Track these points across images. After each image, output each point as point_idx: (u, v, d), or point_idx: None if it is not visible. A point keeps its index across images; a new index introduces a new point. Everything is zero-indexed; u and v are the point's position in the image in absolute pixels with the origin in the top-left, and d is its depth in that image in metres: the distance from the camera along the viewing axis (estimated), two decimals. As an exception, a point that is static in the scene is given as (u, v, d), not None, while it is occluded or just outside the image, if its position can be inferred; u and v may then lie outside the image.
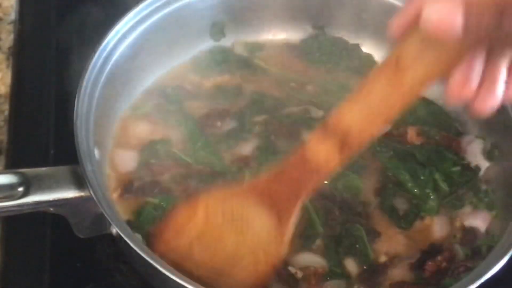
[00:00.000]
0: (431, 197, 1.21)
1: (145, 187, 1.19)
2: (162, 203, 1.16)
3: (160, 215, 1.13)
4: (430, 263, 1.13)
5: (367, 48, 1.44)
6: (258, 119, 1.29)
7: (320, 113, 1.30)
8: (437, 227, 1.20)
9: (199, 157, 1.23)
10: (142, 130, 1.27)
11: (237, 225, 1.00)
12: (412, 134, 1.29)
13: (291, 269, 1.11)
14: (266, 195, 0.98)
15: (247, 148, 1.26)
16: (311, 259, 1.14)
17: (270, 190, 0.97)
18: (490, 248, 1.13)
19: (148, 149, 1.24)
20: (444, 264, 1.13)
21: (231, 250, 1.01)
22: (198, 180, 1.19)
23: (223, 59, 1.39)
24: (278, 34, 1.44)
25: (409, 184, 1.22)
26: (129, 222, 1.12)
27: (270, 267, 1.02)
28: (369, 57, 1.43)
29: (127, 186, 1.18)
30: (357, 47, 1.43)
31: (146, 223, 1.13)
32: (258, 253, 1.01)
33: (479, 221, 1.20)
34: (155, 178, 1.20)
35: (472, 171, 1.26)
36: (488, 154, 1.27)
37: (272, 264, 1.02)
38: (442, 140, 1.29)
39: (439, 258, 1.14)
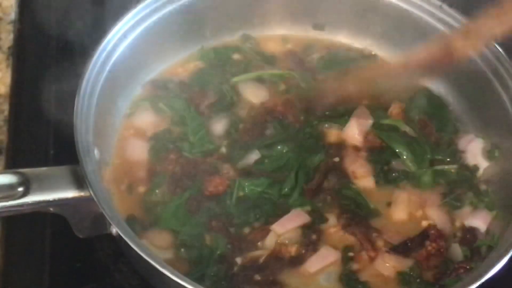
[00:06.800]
0: (426, 172, 1.23)
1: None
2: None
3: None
4: (420, 251, 1.14)
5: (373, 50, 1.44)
6: None
7: None
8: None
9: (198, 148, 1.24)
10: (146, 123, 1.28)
11: None
12: (394, 108, 1.31)
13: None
14: None
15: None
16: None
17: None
18: (490, 248, 1.14)
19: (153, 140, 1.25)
20: (433, 245, 1.14)
21: None
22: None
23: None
24: (278, 33, 1.44)
25: (404, 156, 1.24)
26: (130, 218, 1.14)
27: None
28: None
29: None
30: None
31: None
32: None
33: (479, 221, 1.20)
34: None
35: (469, 170, 1.26)
36: (488, 154, 1.27)
37: None
38: (419, 123, 1.30)
39: (427, 242, 1.15)
